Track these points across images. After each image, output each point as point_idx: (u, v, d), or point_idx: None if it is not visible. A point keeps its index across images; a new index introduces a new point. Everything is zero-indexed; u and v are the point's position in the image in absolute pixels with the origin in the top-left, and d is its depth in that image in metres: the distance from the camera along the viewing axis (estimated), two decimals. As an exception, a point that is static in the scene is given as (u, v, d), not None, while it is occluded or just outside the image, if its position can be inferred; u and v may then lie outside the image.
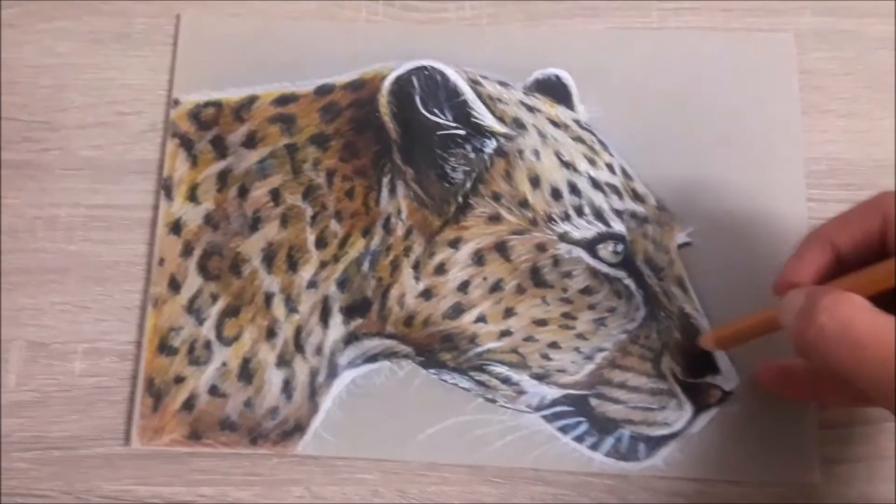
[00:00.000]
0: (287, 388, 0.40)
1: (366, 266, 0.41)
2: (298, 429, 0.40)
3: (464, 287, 0.40)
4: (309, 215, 0.42)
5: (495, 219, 0.40)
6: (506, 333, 0.40)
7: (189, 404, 0.40)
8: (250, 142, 0.43)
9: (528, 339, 0.40)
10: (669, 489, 0.39)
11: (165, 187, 0.43)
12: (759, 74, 0.44)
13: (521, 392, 0.40)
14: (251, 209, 0.42)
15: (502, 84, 0.43)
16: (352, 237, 0.41)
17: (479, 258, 0.40)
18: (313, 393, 0.40)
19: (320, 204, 0.42)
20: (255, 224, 0.42)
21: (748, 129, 0.43)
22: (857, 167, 0.43)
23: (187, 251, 0.42)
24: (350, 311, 0.41)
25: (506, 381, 0.40)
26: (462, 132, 0.41)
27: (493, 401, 0.40)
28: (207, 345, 0.41)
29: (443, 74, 0.42)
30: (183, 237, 0.42)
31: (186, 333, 0.41)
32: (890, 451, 0.39)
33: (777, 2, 0.46)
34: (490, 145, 0.41)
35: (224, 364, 0.41)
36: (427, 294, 0.40)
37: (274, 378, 0.41)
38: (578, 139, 0.42)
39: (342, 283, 0.41)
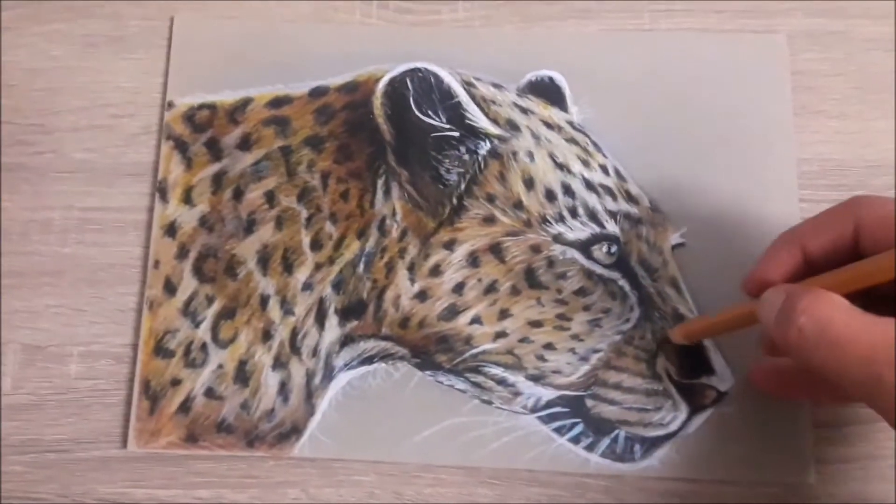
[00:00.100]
0: (283, 390, 0.41)
1: (361, 268, 0.41)
2: (295, 431, 0.40)
3: (459, 288, 0.40)
4: (304, 217, 0.42)
5: (490, 220, 0.40)
6: (501, 335, 0.40)
7: (185, 407, 0.40)
8: (245, 144, 0.43)
9: (524, 340, 0.40)
10: (665, 490, 0.39)
11: (160, 190, 0.43)
12: (751, 75, 0.44)
13: (517, 393, 0.40)
14: (246, 211, 0.42)
15: (496, 86, 0.43)
16: (347, 239, 0.41)
17: (473, 259, 0.40)
18: (309, 395, 0.40)
19: (315, 206, 0.42)
20: (250, 226, 0.42)
21: (741, 130, 0.43)
22: (849, 168, 0.43)
23: (182, 253, 0.42)
24: (345, 313, 0.41)
25: (501, 382, 0.40)
26: (456, 134, 0.41)
27: (488, 402, 0.40)
28: (203, 347, 0.41)
29: (437, 76, 0.42)
30: (178, 239, 0.42)
31: (182, 336, 0.41)
32: (884, 451, 0.39)
33: (769, 3, 0.46)
34: (484, 147, 0.41)
35: (220, 366, 0.41)
36: (422, 296, 0.40)
37: (270, 380, 0.41)
38: (572, 141, 0.42)
39: (337, 285, 0.41)
